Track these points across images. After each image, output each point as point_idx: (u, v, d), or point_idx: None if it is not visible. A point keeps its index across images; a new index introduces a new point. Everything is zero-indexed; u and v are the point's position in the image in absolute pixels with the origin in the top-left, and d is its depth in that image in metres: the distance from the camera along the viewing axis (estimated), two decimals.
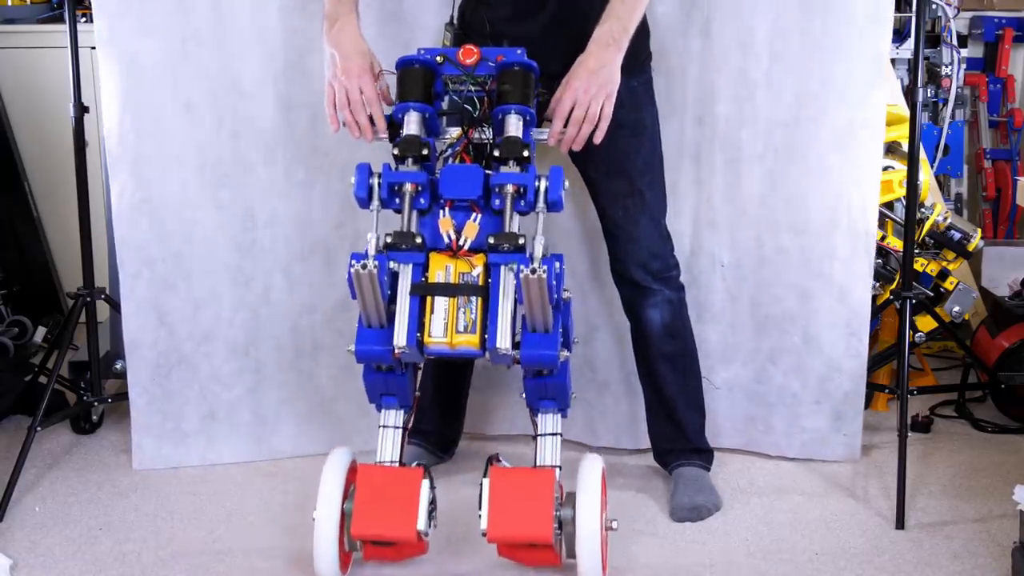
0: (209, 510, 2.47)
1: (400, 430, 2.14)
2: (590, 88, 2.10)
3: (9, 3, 3.94)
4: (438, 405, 2.65)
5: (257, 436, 2.74)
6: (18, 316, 3.51)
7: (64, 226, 3.64)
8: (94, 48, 2.60)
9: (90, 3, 2.55)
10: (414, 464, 2.09)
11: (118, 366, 2.95)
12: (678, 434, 2.55)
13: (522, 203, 2.02)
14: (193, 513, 2.45)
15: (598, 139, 2.14)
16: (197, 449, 2.71)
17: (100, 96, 2.63)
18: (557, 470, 2.07)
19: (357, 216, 2.05)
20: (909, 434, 2.49)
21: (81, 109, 2.73)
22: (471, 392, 2.73)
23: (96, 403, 2.87)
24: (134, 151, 2.59)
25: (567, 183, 2.06)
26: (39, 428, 2.57)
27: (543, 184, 2.01)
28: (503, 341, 1.96)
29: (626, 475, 2.64)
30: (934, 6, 3.64)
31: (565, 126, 2.13)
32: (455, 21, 2.37)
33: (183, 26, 2.54)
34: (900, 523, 2.36)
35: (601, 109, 2.11)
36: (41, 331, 3.55)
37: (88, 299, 2.79)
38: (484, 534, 1.97)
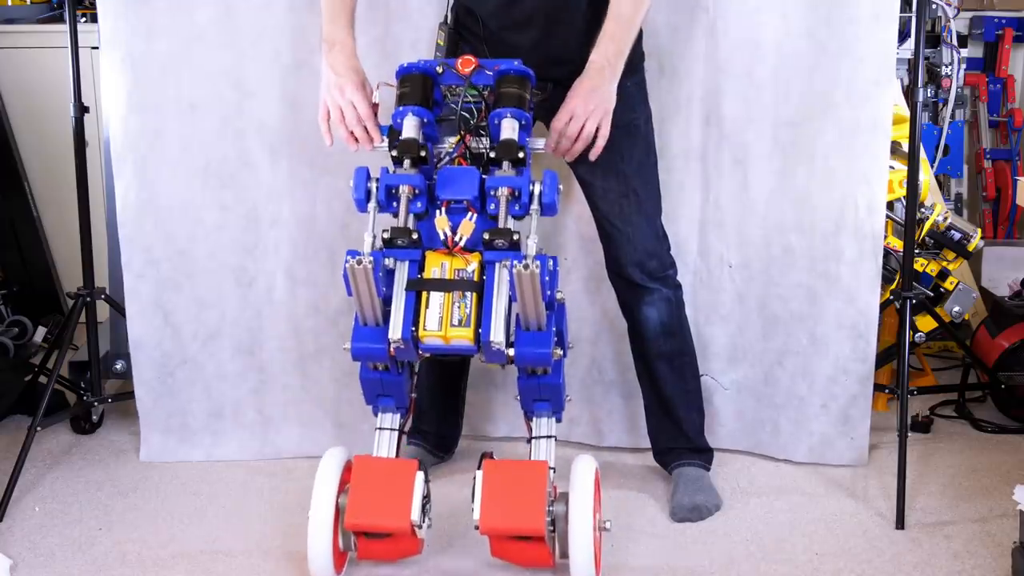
0: (209, 510, 2.47)
1: (396, 433, 2.16)
2: (588, 105, 2.16)
3: (9, 3, 3.94)
4: (437, 405, 2.66)
5: (262, 435, 2.75)
6: (18, 316, 3.51)
7: (64, 226, 3.65)
8: (94, 48, 2.61)
9: (90, 3, 2.54)
10: None
11: (118, 366, 2.95)
12: (678, 433, 2.55)
13: (516, 207, 2.04)
14: (194, 513, 2.46)
15: (593, 156, 2.21)
16: (203, 445, 2.72)
17: (100, 96, 2.63)
18: (551, 471, 2.07)
19: (361, 217, 2.07)
20: (909, 434, 2.50)
21: (81, 109, 2.73)
22: (473, 394, 2.74)
23: (96, 403, 2.87)
24: (138, 151, 2.60)
25: (561, 187, 2.08)
26: (39, 428, 2.57)
27: (537, 188, 2.04)
28: (496, 335, 1.97)
29: (626, 475, 2.64)
30: (934, 6, 3.64)
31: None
32: (449, 21, 2.38)
33: (187, 26, 2.55)
34: (900, 523, 2.36)
35: (598, 129, 2.18)
36: (41, 331, 3.54)
37: (88, 299, 2.79)
38: (477, 527, 1.97)
